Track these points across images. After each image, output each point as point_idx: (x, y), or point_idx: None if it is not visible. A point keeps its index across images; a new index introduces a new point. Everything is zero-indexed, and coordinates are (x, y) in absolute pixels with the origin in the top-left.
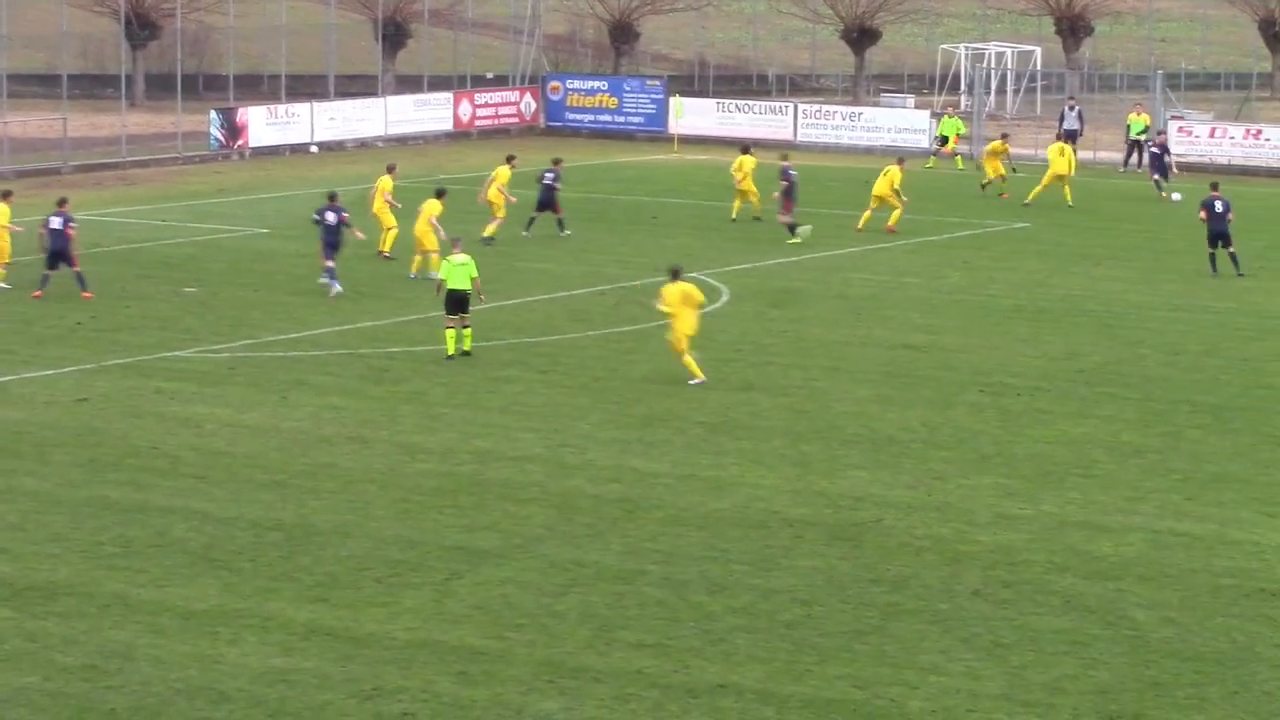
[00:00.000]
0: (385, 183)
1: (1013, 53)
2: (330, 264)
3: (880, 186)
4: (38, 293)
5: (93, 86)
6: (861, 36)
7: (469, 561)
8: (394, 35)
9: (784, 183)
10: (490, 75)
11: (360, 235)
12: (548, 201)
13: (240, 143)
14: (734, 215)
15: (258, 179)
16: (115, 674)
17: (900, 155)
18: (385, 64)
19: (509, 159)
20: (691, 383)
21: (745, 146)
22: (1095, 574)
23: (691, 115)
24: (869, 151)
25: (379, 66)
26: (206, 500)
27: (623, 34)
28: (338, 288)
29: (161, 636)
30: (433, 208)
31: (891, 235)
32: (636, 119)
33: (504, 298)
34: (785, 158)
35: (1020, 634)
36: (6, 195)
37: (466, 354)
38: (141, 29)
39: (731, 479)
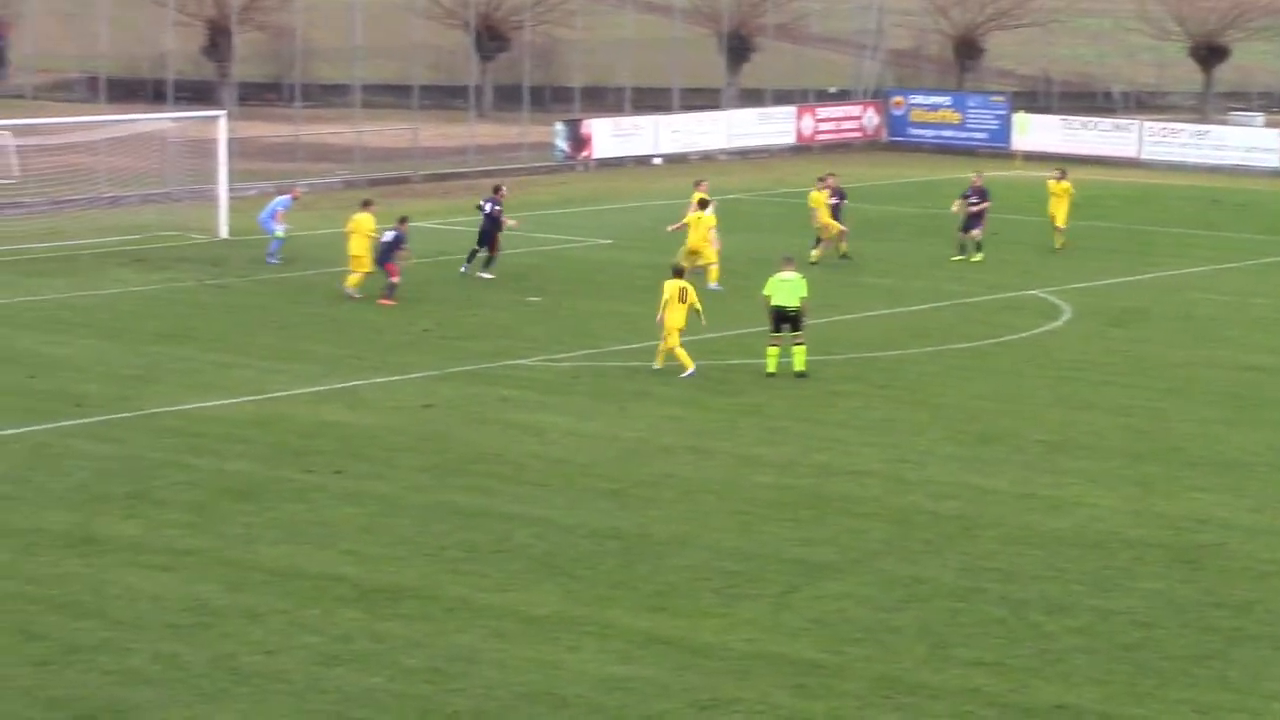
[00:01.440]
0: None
1: None
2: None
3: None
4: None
5: (443, 97)
6: (1210, 54)
7: (806, 575)
8: (738, 49)
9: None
10: (833, 90)
11: (512, 224)
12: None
13: (585, 154)
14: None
15: (601, 190)
16: (458, 677)
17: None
18: (729, 77)
19: (820, 179)
20: (682, 375)
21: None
22: None
23: (1035, 131)
24: (1215, 170)
25: (722, 80)
26: (548, 507)
27: (967, 49)
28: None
29: (504, 641)
30: (708, 220)
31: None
32: (980, 135)
33: (843, 312)
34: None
35: None
36: (368, 204)
37: (801, 374)
38: (491, 41)
39: (1071, 498)
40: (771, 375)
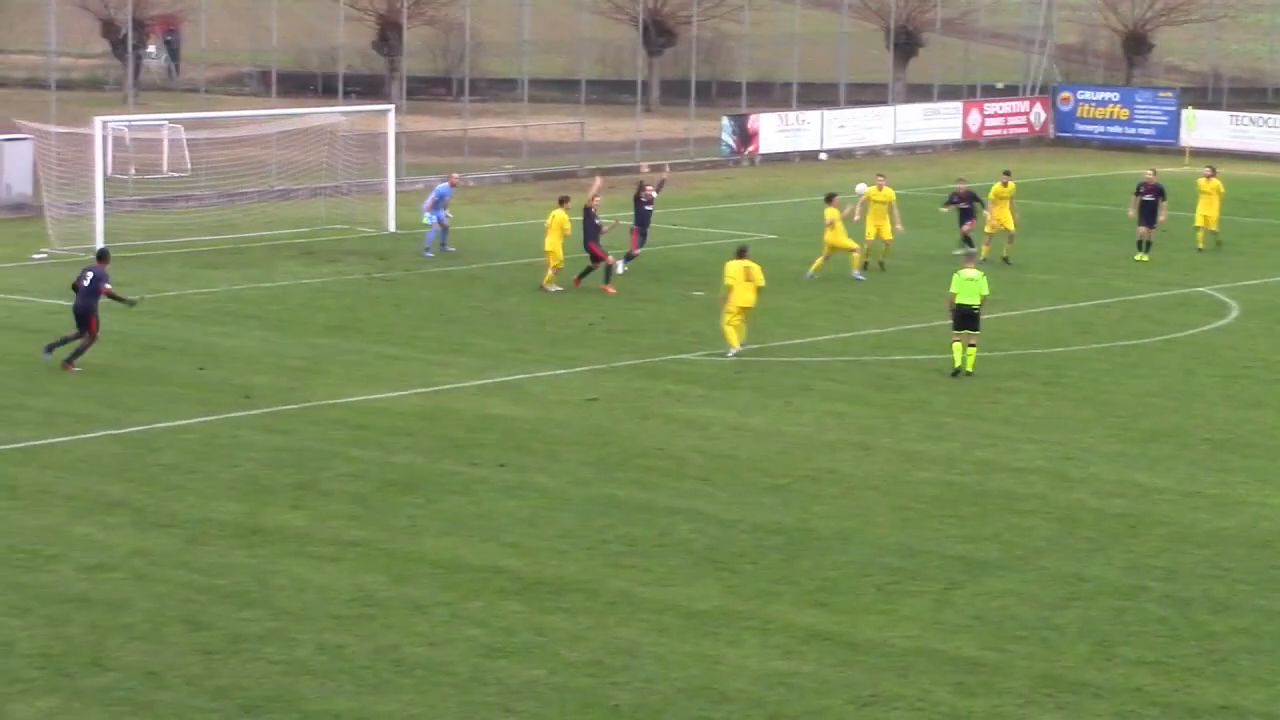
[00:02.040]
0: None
1: None
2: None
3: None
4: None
5: (609, 92)
6: None
7: (968, 571)
8: (905, 44)
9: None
10: (1000, 85)
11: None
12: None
13: (751, 149)
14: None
15: (767, 185)
16: (620, 670)
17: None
18: (895, 72)
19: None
20: (729, 354)
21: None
22: None
23: (1204, 128)
24: None
25: (889, 75)
26: (710, 502)
27: (1136, 45)
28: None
29: (665, 635)
30: (833, 213)
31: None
32: (1148, 130)
33: (1008, 308)
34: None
35: None
36: (565, 201)
37: (969, 374)
38: (659, 36)
39: (1238, 497)
40: (957, 372)
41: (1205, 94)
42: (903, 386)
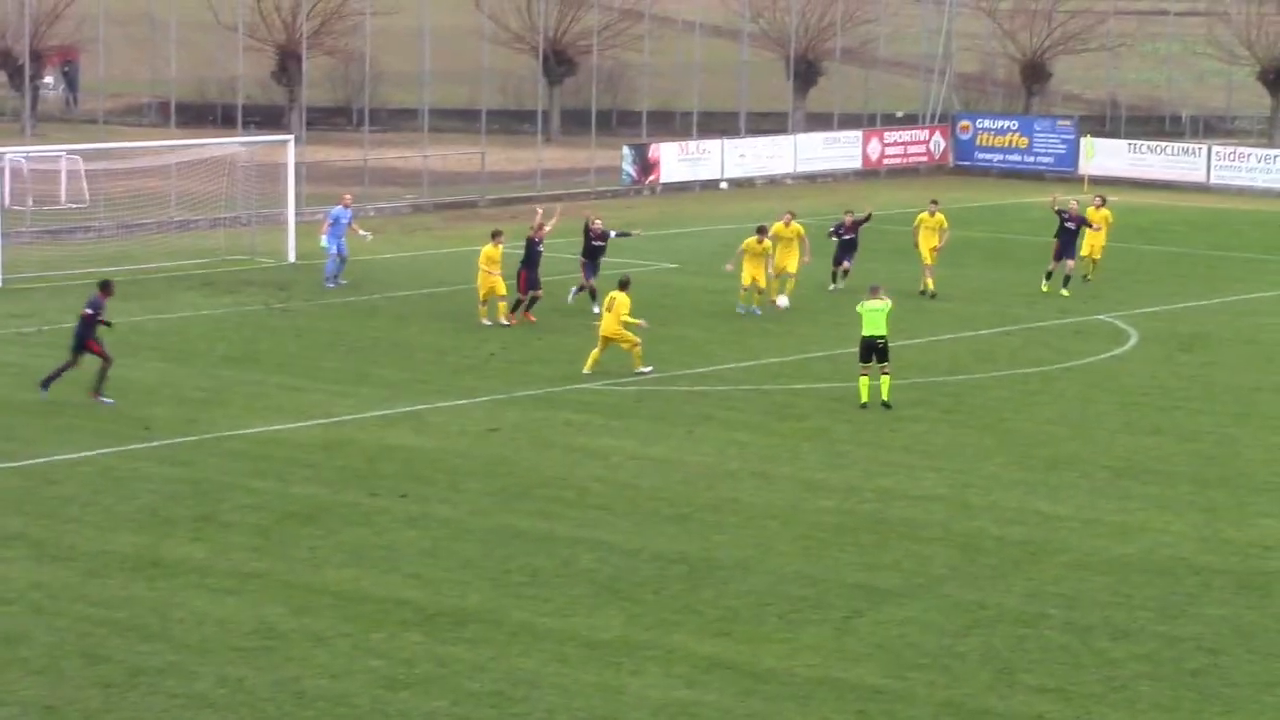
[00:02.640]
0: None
1: None
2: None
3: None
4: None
5: (510, 121)
6: (1279, 77)
7: (870, 600)
8: (805, 73)
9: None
10: (900, 114)
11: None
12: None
13: (652, 178)
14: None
15: (668, 214)
16: (521, 701)
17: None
18: (796, 101)
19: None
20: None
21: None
22: None
23: (1102, 156)
24: None
25: (789, 104)
26: (612, 531)
27: (1034, 73)
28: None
29: (567, 665)
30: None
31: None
32: (1046, 159)
33: (910, 336)
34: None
35: None
36: (496, 236)
37: (886, 405)
38: (559, 65)
39: (1137, 524)
40: (865, 406)
41: (1103, 122)
42: (804, 415)
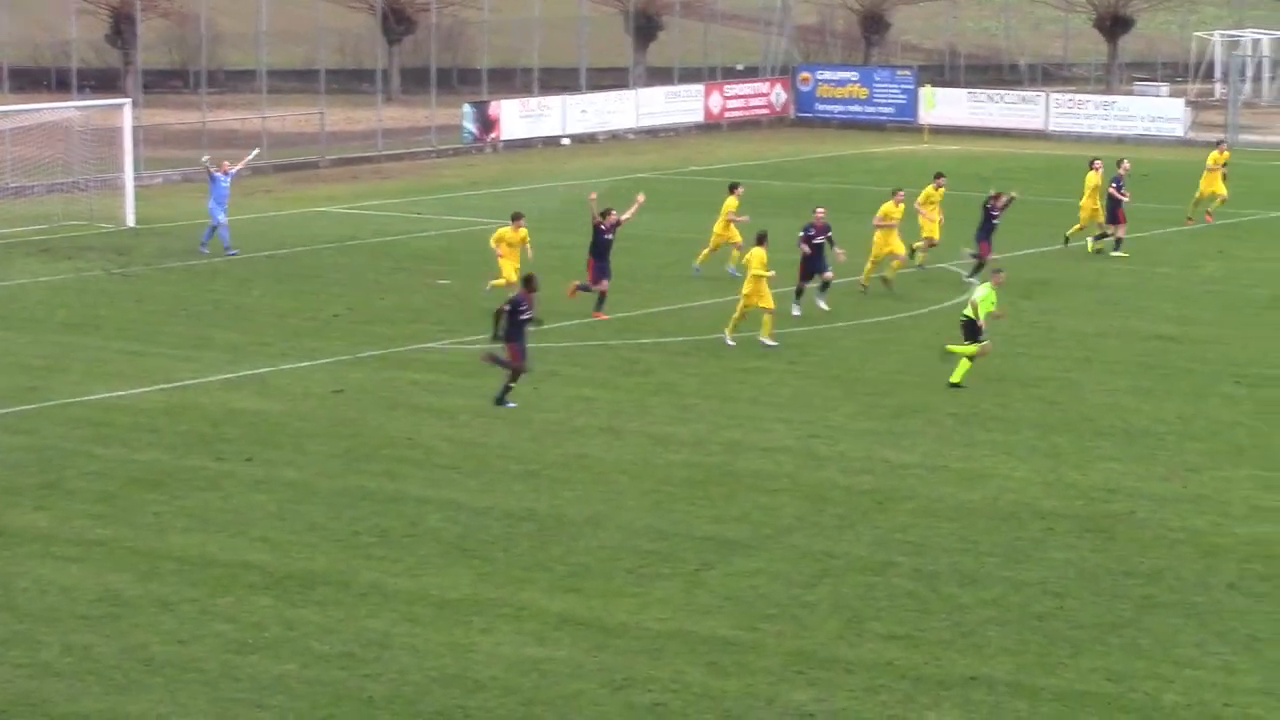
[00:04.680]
0: (731, 203)
1: (1269, 39)
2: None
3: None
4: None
5: (349, 81)
6: (1115, 25)
7: (720, 552)
8: (645, 27)
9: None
10: (741, 67)
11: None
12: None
13: (493, 136)
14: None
15: (510, 172)
16: (372, 662)
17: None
18: (636, 56)
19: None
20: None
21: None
22: None
23: (942, 105)
24: (1121, 140)
25: (630, 59)
26: (460, 490)
27: (873, 24)
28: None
29: (417, 625)
30: (730, 204)
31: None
32: (887, 109)
33: None
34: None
35: (1277, 627)
36: (518, 218)
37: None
38: (398, 24)
39: (983, 470)
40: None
41: (943, 71)
42: (650, 370)
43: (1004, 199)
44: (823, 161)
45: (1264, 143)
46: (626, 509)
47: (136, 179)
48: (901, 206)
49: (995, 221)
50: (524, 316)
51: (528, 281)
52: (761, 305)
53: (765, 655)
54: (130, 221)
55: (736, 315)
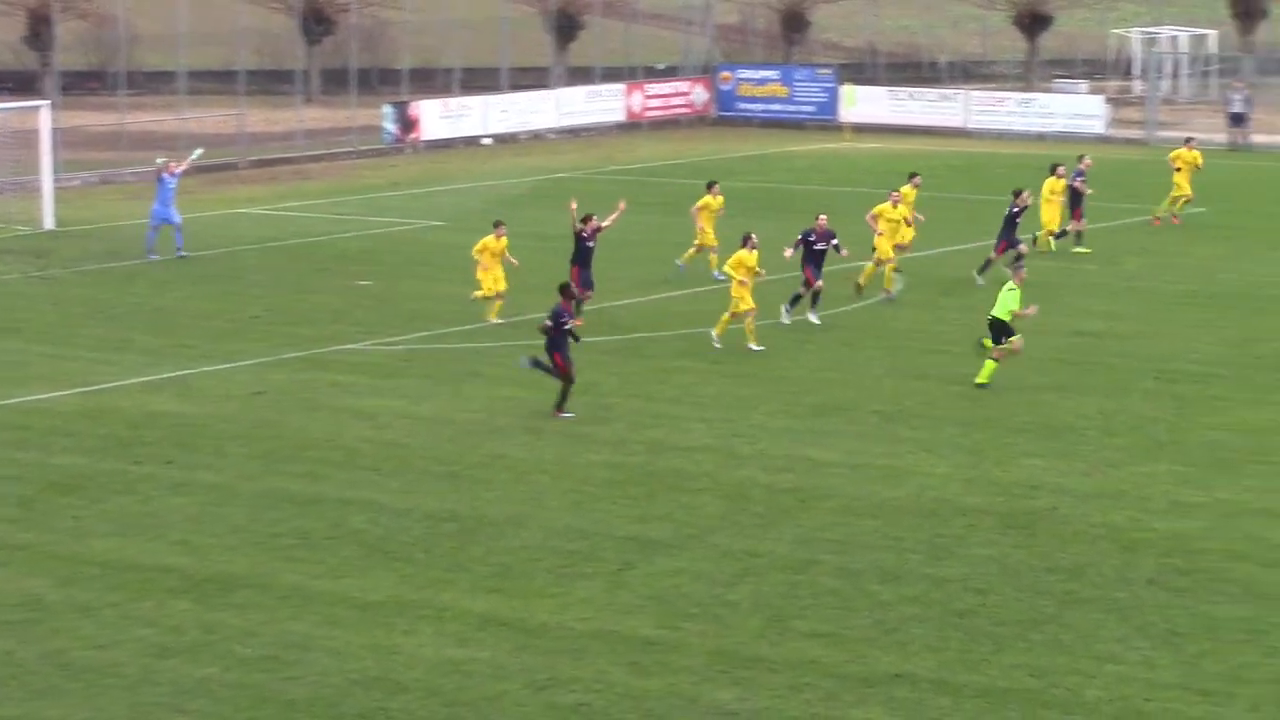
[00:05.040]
0: (713, 201)
1: (1187, 37)
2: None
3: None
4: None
5: (269, 82)
6: (1034, 22)
7: (641, 552)
8: (565, 27)
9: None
10: (662, 66)
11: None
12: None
13: (414, 136)
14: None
15: (431, 172)
16: (294, 665)
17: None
18: (557, 56)
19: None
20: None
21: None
22: (1274, 562)
23: (863, 103)
24: (1041, 138)
25: (550, 59)
26: (381, 492)
27: (794, 23)
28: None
29: (338, 628)
30: (714, 202)
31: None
32: (808, 108)
33: (672, 289)
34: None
35: (1197, 622)
36: (499, 225)
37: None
38: (317, 24)
39: (905, 468)
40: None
41: (863, 69)
42: None
43: (1026, 195)
44: (744, 160)
45: (1181, 139)
46: (548, 509)
47: (55, 181)
48: (901, 207)
49: (1018, 221)
50: (566, 326)
51: (564, 290)
52: (743, 308)
53: (688, 654)
54: (49, 224)
55: (726, 318)
